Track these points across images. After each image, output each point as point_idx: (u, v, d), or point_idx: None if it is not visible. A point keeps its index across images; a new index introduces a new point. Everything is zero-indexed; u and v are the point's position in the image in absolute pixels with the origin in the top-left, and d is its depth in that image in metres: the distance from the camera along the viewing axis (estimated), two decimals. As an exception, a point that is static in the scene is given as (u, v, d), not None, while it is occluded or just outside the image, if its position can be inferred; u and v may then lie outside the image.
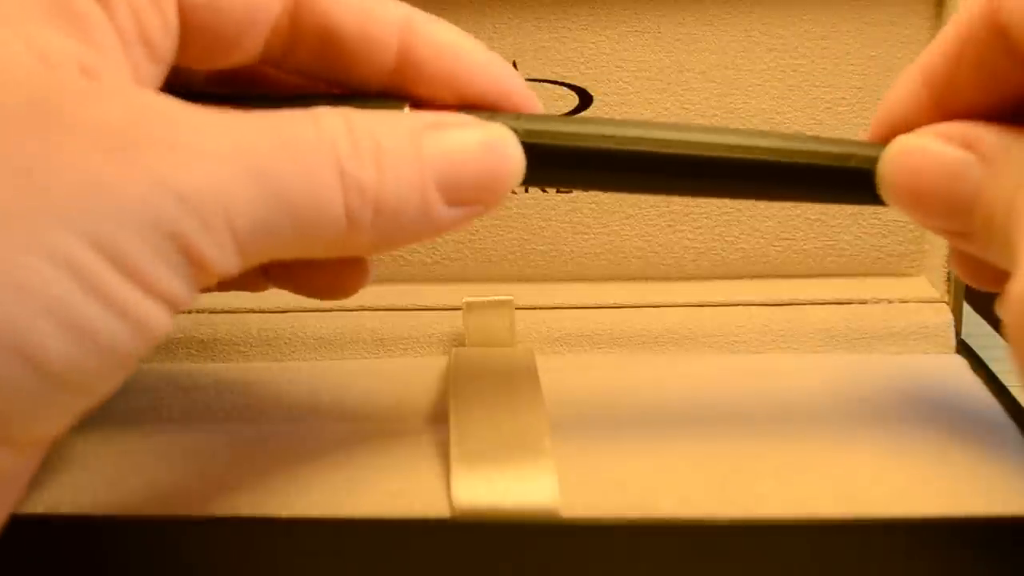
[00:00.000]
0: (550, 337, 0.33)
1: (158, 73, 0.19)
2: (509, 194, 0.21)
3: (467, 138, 0.20)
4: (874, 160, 0.22)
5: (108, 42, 0.18)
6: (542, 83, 0.33)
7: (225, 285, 0.24)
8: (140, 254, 0.16)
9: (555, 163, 0.22)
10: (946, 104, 0.22)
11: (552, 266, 0.34)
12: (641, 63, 0.32)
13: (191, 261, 0.16)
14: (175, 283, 0.16)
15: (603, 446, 0.25)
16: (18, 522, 0.22)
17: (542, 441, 0.24)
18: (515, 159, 0.21)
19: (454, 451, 0.24)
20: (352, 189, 0.18)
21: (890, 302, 0.33)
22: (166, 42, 0.19)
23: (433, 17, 0.22)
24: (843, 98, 0.33)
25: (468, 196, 0.20)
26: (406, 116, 0.20)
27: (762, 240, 0.34)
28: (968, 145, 0.20)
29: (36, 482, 0.24)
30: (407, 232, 0.20)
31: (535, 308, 0.33)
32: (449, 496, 0.23)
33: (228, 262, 0.17)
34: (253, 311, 0.33)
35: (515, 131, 0.22)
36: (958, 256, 0.24)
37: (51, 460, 0.25)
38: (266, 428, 0.27)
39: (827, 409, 0.27)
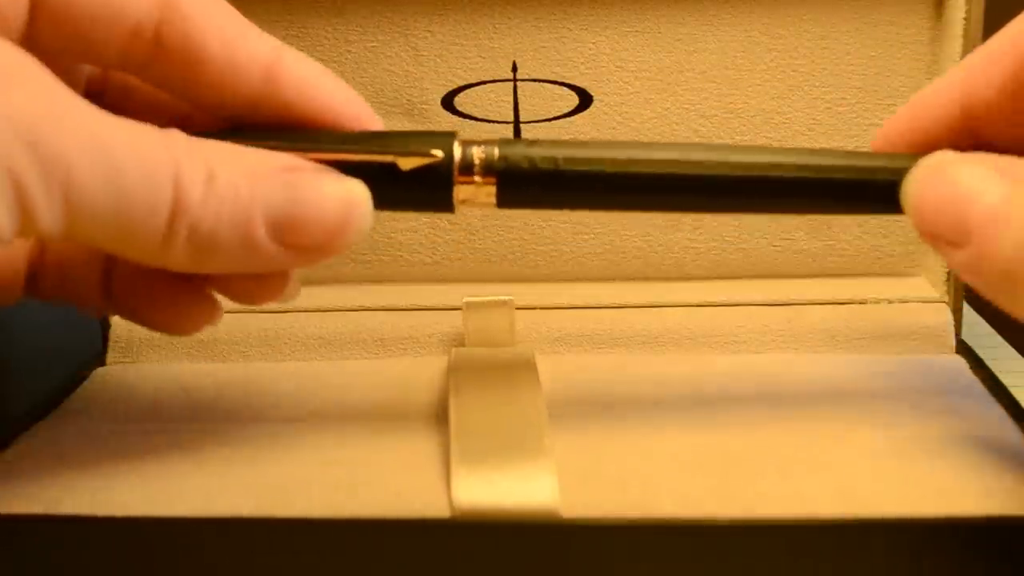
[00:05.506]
0: (550, 337, 0.33)
1: None
2: (351, 246, 0.22)
3: (318, 188, 0.21)
4: (902, 171, 0.22)
5: None
6: (542, 83, 0.33)
7: (65, 293, 0.25)
8: None
9: (581, 186, 0.23)
10: (981, 131, 0.22)
11: (552, 266, 0.34)
12: (641, 63, 0.32)
13: (21, 206, 0.17)
14: (5, 220, 0.17)
15: (603, 446, 0.25)
16: (18, 522, 0.22)
17: (542, 441, 0.24)
18: (362, 218, 0.21)
19: (454, 451, 0.24)
20: (178, 206, 0.19)
21: (890, 302, 0.33)
22: (13, 11, 0.20)
23: (299, 53, 0.22)
24: (843, 98, 0.33)
25: (303, 241, 0.21)
26: (256, 155, 0.21)
27: (762, 240, 0.34)
28: (1003, 173, 0.20)
29: (36, 482, 0.24)
30: (226, 259, 0.20)
31: (535, 308, 0.33)
32: (449, 496, 0.23)
33: (52, 223, 0.18)
34: (253, 311, 0.33)
35: (531, 158, 0.23)
36: None
37: (51, 460, 0.25)
38: (266, 428, 0.27)
39: (827, 409, 0.27)
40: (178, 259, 0.20)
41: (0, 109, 0.17)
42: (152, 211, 0.19)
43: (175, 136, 0.20)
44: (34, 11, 0.20)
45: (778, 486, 0.23)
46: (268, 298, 0.24)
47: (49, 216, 0.18)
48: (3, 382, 0.31)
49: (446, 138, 0.23)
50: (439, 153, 0.22)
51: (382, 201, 0.23)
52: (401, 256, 0.34)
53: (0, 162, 0.17)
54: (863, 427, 0.26)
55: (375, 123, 0.23)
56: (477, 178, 0.23)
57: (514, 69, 0.33)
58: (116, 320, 0.33)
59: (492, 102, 0.33)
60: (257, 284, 0.24)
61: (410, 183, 0.22)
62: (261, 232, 0.20)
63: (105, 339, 0.33)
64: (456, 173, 0.23)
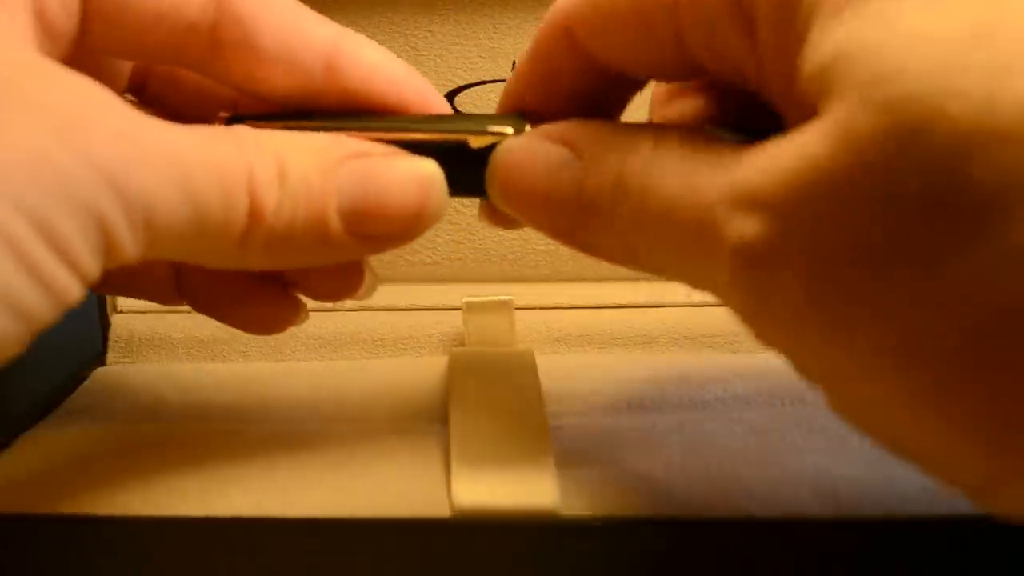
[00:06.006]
0: (550, 337, 0.33)
1: (54, 51, 0.19)
2: (427, 230, 0.21)
3: (390, 171, 0.20)
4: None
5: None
6: (542, 83, 0.33)
7: (134, 291, 0.25)
8: (69, 231, 0.16)
9: None
10: (550, 91, 0.22)
11: (552, 266, 0.34)
12: (641, 63, 0.32)
13: (108, 245, 0.17)
14: (91, 261, 0.17)
15: (603, 446, 0.25)
16: (18, 522, 0.22)
17: (542, 441, 0.24)
18: (438, 200, 0.21)
19: (454, 451, 0.24)
20: (254, 213, 0.19)
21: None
22: (63, 19, 0.19)
23: (361, 38, 0.22)
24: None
25: (378, 230, 0.20)
26: (324, 140, 0.20)
27: (762, 240, 0.34)
28: (565, 142, 0.20)
29: (36, 482, 0.24)
30: (301, 255, 0.20)
31: (535, 308, 0.33)
32: (449, 496, 0.23)
33: (134, 252, 0.18)
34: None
35: None
36: None
37: (51, 460, 0.25)
38: (266, 428, 0.27)
39: (827, 409, 0.27)
40: (254, 261, 0.20)
41: (83, 155, 0.16)
42: (229, 222, 0.19)
43: (244, 135, 0.19)
44: (86, 17, 0.20)
45: (777, 486, 0.23)
46: (347, 295, 0.24)
47: (132, 248, 0.18)
48: (3, 382, 0.31)
49: (518, 120, 0.22)
50: (509, 129, 0.21)
51: (452, 185, 0.21)
52: (401, 256, 0.34)
53: (88, 211, 0.17)
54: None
55: (445, 111, 0.23)
56: None
57: (514, 69, 0.33)
58: (116, 320, 0.33)
59: (492, 102, 0.33)
60: (335, 281, 0.23)
61: (481, 164, 0.21)
62: (336, 224, 0.20)
63: (105, 339, 0.33)
64: None
